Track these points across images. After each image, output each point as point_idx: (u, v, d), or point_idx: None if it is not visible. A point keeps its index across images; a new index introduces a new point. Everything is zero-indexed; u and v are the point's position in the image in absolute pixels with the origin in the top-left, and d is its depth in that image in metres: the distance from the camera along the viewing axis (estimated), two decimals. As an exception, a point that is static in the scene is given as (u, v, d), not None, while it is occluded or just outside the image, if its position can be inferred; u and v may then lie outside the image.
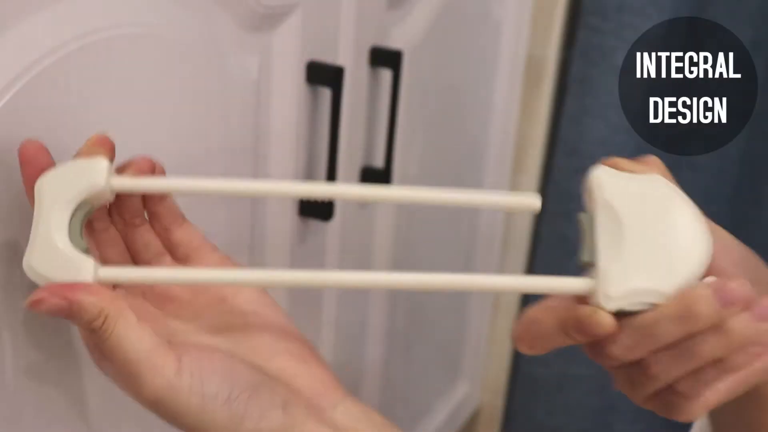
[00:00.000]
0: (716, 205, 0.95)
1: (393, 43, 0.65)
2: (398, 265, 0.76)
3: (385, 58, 0.62)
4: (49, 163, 0.36)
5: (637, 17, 0.85)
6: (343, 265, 0.65)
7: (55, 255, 0.35)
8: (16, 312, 0.39)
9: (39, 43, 0.37)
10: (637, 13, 0.85)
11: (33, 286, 0.36)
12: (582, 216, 0.37)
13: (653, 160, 0.40)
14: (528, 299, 1.05)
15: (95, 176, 0.36)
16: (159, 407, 0.35)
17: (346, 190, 0.41)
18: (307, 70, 0.54)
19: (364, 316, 0.74)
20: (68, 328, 0.42)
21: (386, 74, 0.64)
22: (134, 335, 0.34)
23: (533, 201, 0.38)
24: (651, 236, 0.35)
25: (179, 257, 0.40)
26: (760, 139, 0.93)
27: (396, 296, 0.78)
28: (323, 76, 0.55)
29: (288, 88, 0.54)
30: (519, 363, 1.08)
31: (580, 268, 0.37)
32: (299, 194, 0.40)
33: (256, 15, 0.50)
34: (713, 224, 0.39)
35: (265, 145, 0.54)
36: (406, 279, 0.37)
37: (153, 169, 0.38)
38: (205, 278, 0.37)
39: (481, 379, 1.10)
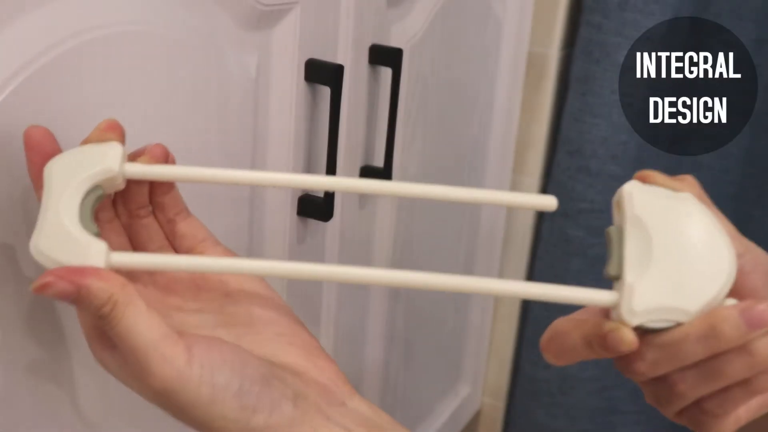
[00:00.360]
0: (719, 204, 0.94)
1: (393, 41, 0.65)
2: (398, 265, 0.75)
3: (385, 57, 0.62)
4: (55, 149, 0.36)
5: (639, 14, 0.84)
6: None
7: (66, 238, 0.34)
8: (8, 305, 0.39)
9: (36, 40, 0.37)
10: (640, 11, 0.84)
11: (27, 278, 0.36)
12: (611, 229, 0.37)
13: (689, 179, 0.40)
14: (528, 303, 1.05)
15: (109, 160, 0.35)
16: (167, 398, 0.34)
17: (364, 185, 0.40)
18: (306, 69, 0.54)
19: (363, 318, 0.74)
20: (60, 321, 0.42)
21: (386, 72, 0.63)
22: (144, 323, 0.33)
23: (550, 202, 0.38)
24: (678, 254, 0.36)
25: (183, 250, 0.40)
26: (763, 138, 0.92)
27: (396, 297, 0.78)
28: (322, 74, 0.55)
29: (287, 86, 0.53)
30: (520, 365, 1.08)
31: (607, 280, 0.37)
32: (309, 186, 0.39)
33: (255, 13, 0.49)
34: (746, 241, 0.40)
35: (263, 143, 0.54)
36: (429, 279, 0.37)
37: (167, 156, 0.38)
38: (218, 267, 0.37)
39: (483, 381, 1.09)
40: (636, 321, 0.35)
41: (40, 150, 0.35)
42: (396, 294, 0.77)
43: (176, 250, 0.40)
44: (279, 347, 0.37)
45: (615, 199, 0.38)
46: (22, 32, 0.36)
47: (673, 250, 0.35)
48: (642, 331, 0.36)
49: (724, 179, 0.95)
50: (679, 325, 0.35)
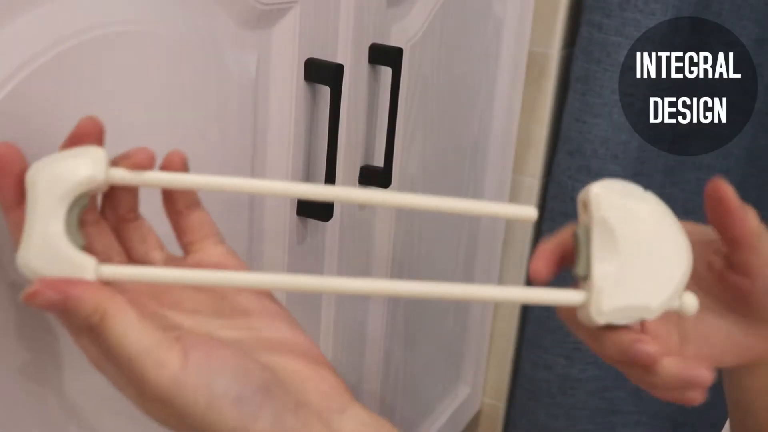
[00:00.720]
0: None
1: (393, 40, 0.64)
2: (398, 266, 0.75)
3: (385, 56, 0.62)
4: (24, 168, 0.35)
5: (639, 14, 0.84)
6: (341, 266, 0.64)
7: (54, 253, 0.34)
8: (7, 311, 0.38)
9: (35, 40, 0.36)
10: (640, 10, 0.84)
11: (21, 284, 0.35)
12: (579, 231, 0.38)
13: (751, 212, 0.42)
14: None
15: (93, 168, 0.35)
16: (164, 406, 0.33)
17: (353, 193, 0.40)
18: (305, 68, 0.54)
19: (364, 317, 0.74)
20: (57, 326, 0.42)
21: (386, 72, 0.63)
22: (135, 331, 0.33)
23: (530, 212, 0.38)
24: (642, 253, 0.37)
25: (183, 244, 0.39)
26: (764, 138, 0.92)
27: (395, 297, 0.78)
28: (322, 73, 0.55)
29: (286, 86, 0.53)
30: (520, 365, 1.08)
31: (575, 280, 0.38)
32: (300, 194, 0.39)
33: (255, 12, 0.49)
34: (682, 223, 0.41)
35: (262, 143, 0.53)
36: (404, 287, 0.37)
37: (152, 161, 0.36)
38: (212, 280, 0.36)
39: (483, 381, 1.09)
40: (603, 320, 0.37)
41: (12, 170, 0.34)
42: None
43: (181, 243, 0.39)
44: (280, 353, 0.36)
45: (581, 198, 0.39)
46: (21, 31, 0.36)
47: (636, 250, 0.37)
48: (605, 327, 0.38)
49: (725, 179, 0.95)
50: (641, 321, 0.38)
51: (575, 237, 0.38)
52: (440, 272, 0.88)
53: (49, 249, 0.34)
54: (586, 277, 0.37)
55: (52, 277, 0.33)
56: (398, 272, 0.77)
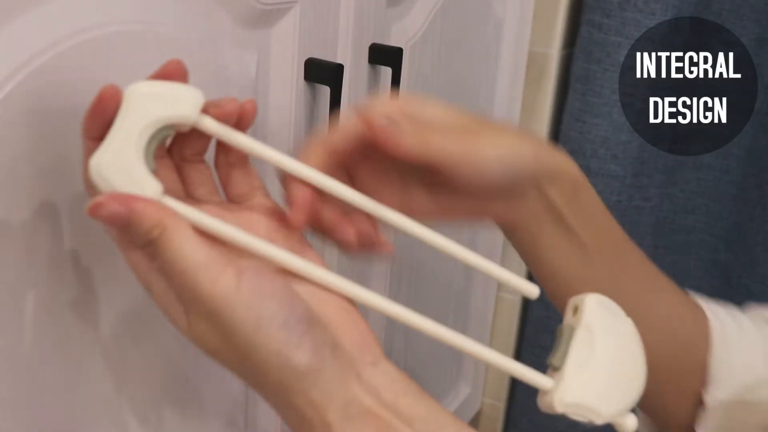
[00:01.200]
0: (721, 204, 0.95)
1: (393, 40, 0.64)
2: (398, 266, 0.75)
3: (385, 56, 0.62)
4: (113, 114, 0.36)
5: (639, 14, 0.84)
6: (341, 267, 0.64)
7: (127, 168, 0.35)
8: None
9: (34, 40, 0.36)
10: (640, 10, 0.84)
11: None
12: (564, 326, 0.42)
13: None
14: (528, 303, 1.05)
15: (189, 108, 0.36)
16: (210, 323, 0.34)
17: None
18: (305, 68, 0.54)
19: (364, 316, 0.74)
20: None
21: (386, 72, 0.63)
22: (192, 246, 0.34)
23: (532, 289, 0.43)
24: (611, 366, 0.41)
25: (232, 196, 0.40)
26: (764, 137, 0.92)
27: (396, 297, 0.78)
28: (322, 73, 0.55)
29: (286, 85, 0.53)
30: (521, 363, 1.08)
31: (549, 368, 0.42)
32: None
33: (255, 12, 0.49)
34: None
35: (262, 143, 0.53)
36: (399, 314, 0.41)
37: (238, 114, 0.38)
38: (264, 251, 0.37)
39: (483, 381, 1.09)
40: (561, 410, 0.40)
41: (107, 111, 0.35)
42: (396, 293, 0.77)
43: (227, 194, 0.40)
44: (319, 300, 0.37)
45: (574, 302, 0.43)
46: (20, 31, 0.36)
47: (608, 361, 0.41)
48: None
49: (724, 179, 0.95)
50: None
51: (558, 331, 0.42)
52: (440, 273, 0.88)
53: (123, 163, 0.35)
54: (558, 369, 0.41)
55: (118, 192, 0.34)
56: (398, 273, 0.77)
